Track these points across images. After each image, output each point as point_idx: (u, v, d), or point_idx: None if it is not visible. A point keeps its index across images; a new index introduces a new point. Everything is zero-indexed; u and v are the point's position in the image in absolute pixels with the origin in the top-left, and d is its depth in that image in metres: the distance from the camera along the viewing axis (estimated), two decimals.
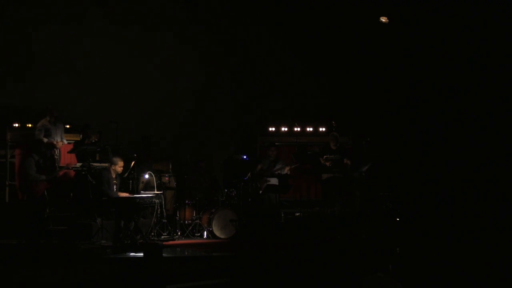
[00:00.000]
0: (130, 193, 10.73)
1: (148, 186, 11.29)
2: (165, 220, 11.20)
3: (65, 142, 11.79)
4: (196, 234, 11.40)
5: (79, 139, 12.13)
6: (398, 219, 11.97)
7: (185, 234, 11.28)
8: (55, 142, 11.42)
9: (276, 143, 13.36)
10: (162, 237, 11.04)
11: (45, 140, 11.31)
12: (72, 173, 11.43)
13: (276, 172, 12.09)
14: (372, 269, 6.67)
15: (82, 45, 13.65)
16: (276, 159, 12.40)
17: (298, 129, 14.09)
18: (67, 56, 13.51)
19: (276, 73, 14.74)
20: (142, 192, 10.98)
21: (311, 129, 14.30)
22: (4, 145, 12.16)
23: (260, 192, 12.05)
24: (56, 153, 11.37)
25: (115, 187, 10.43)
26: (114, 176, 10.47)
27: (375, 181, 12.11)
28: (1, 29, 13.29)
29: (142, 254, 8.43)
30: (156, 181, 11.00)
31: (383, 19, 13.33)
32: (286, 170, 12.21)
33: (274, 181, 12.07)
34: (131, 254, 9.49)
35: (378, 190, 12.29)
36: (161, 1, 14.16)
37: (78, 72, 13.54)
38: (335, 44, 14.56)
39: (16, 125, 12.46)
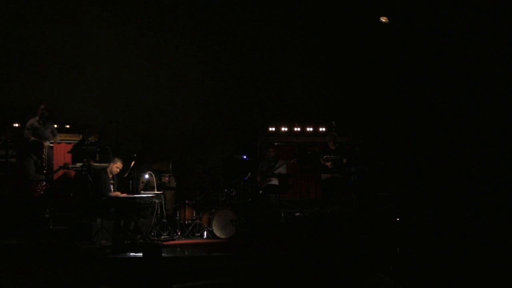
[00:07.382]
0: (129, 193, 10.72)
1: (148, 186, 11.29)
2: (165, 220, 11.20)
3: (57, 140, 11.71)
4: (196, 234, 11.39)
5: (79, 139, 12.10)
6: (398, 219, 11.97)
7: (185, 234, 11.28)
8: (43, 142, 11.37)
9: (276, 143, 13.31)
10: (162, 237, 11.03)
11: (32, 139, 11.23)
12: (72, 173, 11.41)
13: (277, 172, 12.06)
14: (372, 269, 6.65)
15: (82, 45, 13.66)
16: (276, 159, 12.38)
17: (298, 129, 14.08)
18: (67, 56, 13.52)
19: (276, 73, 14.74)
20: (142, 192, 10.98)
21: (311, 129, 14.30)
22: (4, 145, 12.15)
23: (260, 192, 12.04)
24: (44, 152, 11.29)
25: (112, 187, 10.40)
26: (110, 176, 10.45)
27: (372, 181, 12.07)
28: (0, 28, 13.29)
29: (141, 254, 8.43)
30: (156, 181, 11.00)
31: (383, 19, 13.32)
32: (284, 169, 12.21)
33: (275, 181, 12.06)
34: (131, 254, 9.47)
35: (376, 190, 12.25)
36: (161, 1, 14.16)
37: (78, 72, 13.54)
38: (335, 44, 14.56)
39: (16, 125, 12.44)
